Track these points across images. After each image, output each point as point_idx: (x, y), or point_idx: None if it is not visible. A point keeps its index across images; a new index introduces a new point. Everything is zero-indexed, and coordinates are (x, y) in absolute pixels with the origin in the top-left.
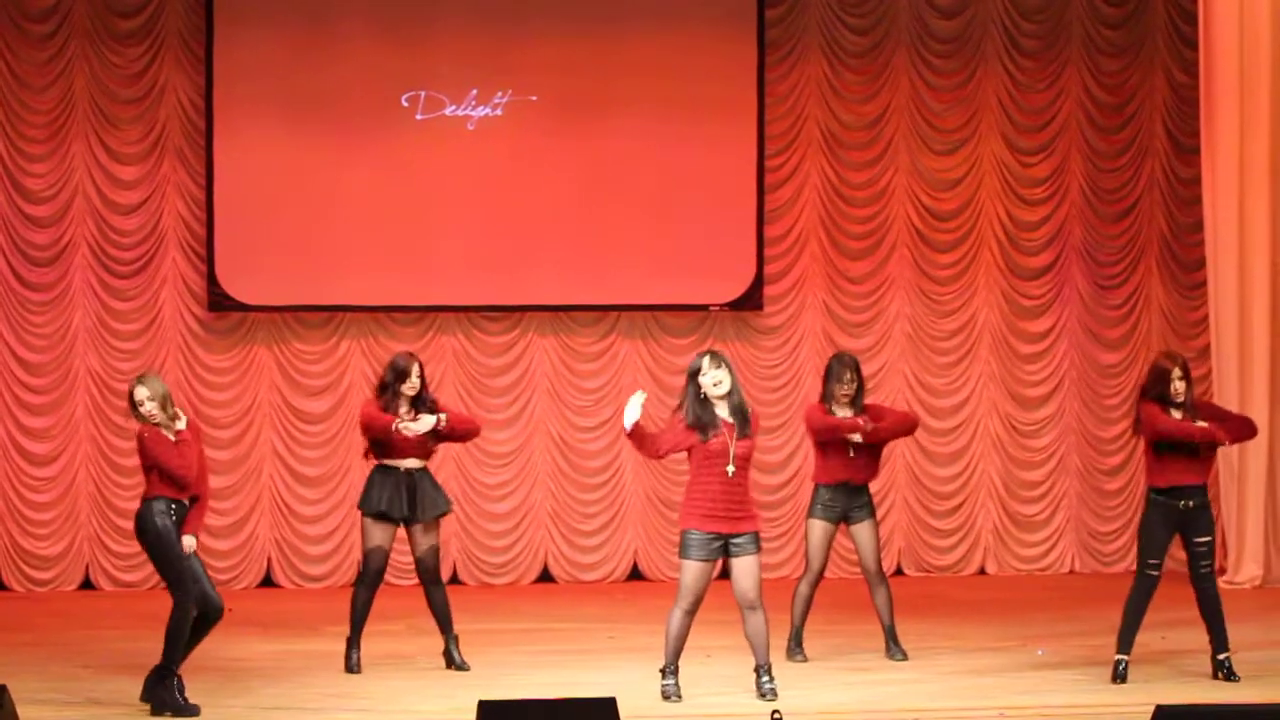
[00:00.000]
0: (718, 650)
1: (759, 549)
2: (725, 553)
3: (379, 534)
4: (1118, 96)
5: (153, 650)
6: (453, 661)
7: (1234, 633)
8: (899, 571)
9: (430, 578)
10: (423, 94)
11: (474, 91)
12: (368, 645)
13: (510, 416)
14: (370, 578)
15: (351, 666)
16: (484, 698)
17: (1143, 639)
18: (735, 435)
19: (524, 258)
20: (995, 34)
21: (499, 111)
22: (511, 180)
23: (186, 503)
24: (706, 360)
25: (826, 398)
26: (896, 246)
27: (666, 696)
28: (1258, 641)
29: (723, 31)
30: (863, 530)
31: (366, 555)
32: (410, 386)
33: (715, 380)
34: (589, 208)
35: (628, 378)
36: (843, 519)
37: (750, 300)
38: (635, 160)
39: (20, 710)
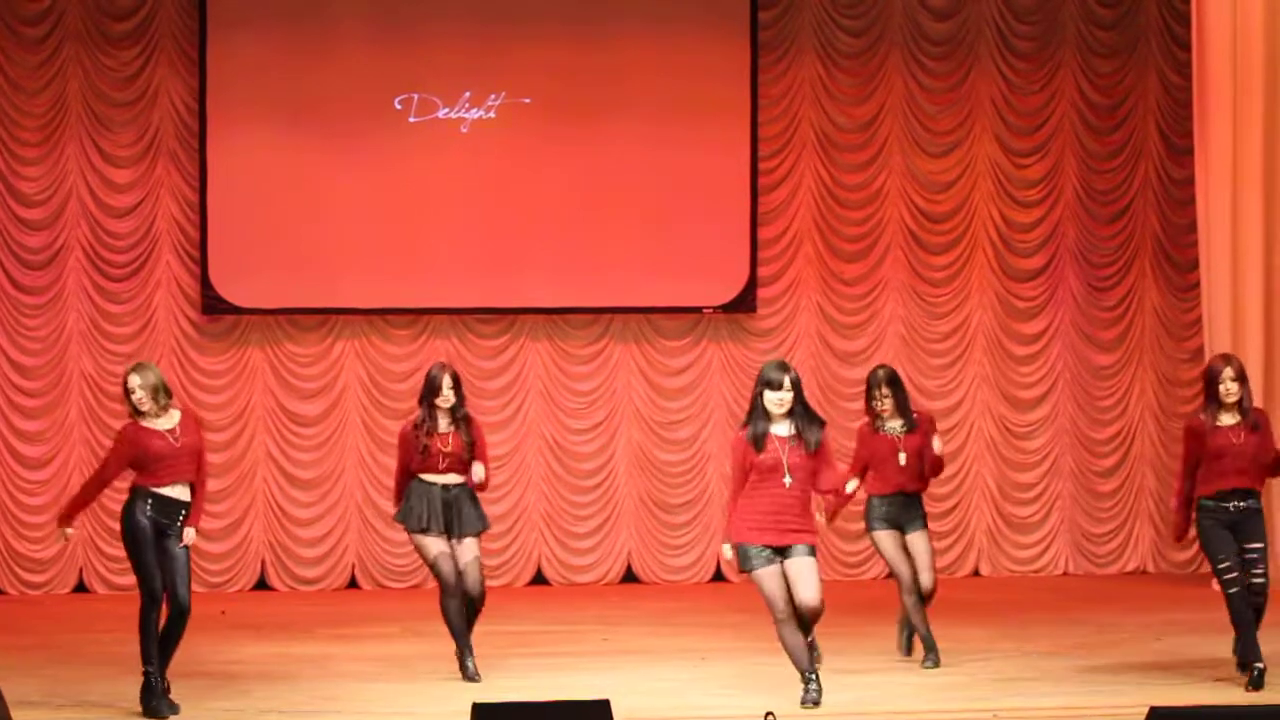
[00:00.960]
0: (713, 652)
1: (813, 555)
2: (778, 557)
3: (433, 544)
4: (1111, 98)
5: None
6: (466, 670)
7: (1227, 633)
8: (892, 574)
9: (475, 590)
10: (415, 97)
11: (467, 94)
12: (363, 647)
13: (504, 419)
14: (450, 587)
15: (470, 675)
16: (478, 700)
17: (1139, 640)
18: (788, 447)
19: (517, 260)
20: (989, 35)
21: (492, 114)
22: (505, 183)
23: (170, 494)
24: (774, 373)
25: (870, 416)
26: (890, 248)
27: (815, 703)
28: None
29: (716, 33)
30: (918, 540)
31: (433, 567)
32: (444, 399)
33: (780, 400)
34: (582, 210)
35: (621, 380)
36: (898, 527)
37: (744, 303)
38: (629, 162)
39: (14, 713)
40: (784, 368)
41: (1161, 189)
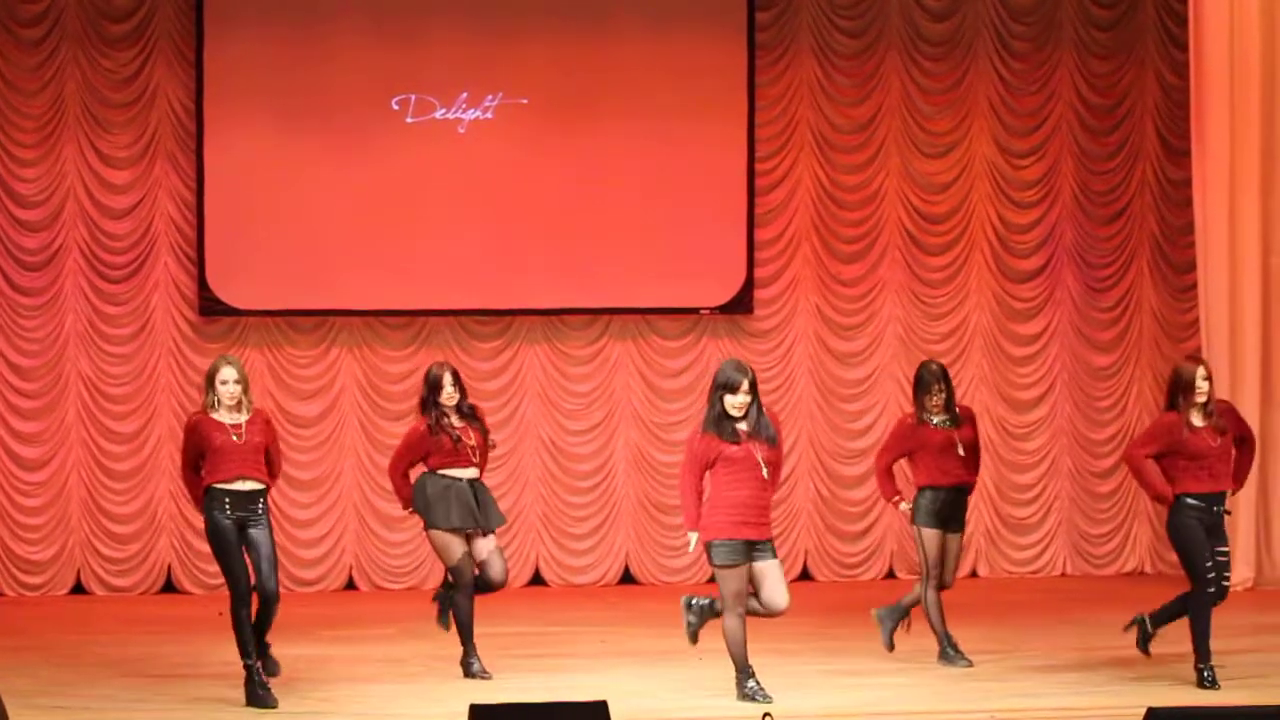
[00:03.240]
0: (710, 653)
1: (776, 556)
2: (748, 558)
3: (458, 546)
4: (1109, 98)
5: (144, 654)
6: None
7: (1226, 634)
8: (891, 575)
9: (502, 579)
10: (413, 97)
11: (464, 94)
12: (361, 648)
13: (501, 420)
14: (467, 588)
15: (473, 672)
16: (475, 701)
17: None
18: (754, 441)
19: (514, 261)
20: (986, 36)
21: (490, 114)
22: (502, 184)
23: (242, 488)
24: (733, 374)
25: (918, 409)
26: (888, 249)
27: (752, 697)
28: (1249, 644)
29: (713, 34)
30: (954, 542)
31: (455, 569)
32: (448, 397)
33: (739, 404)
34: (580, 211)
35: (619, 381)
36: (944, 526)
37: (741, 303)
38: (626, 163)
39: (12, 714)
40: (742, 369)
41: (1159, 190)
